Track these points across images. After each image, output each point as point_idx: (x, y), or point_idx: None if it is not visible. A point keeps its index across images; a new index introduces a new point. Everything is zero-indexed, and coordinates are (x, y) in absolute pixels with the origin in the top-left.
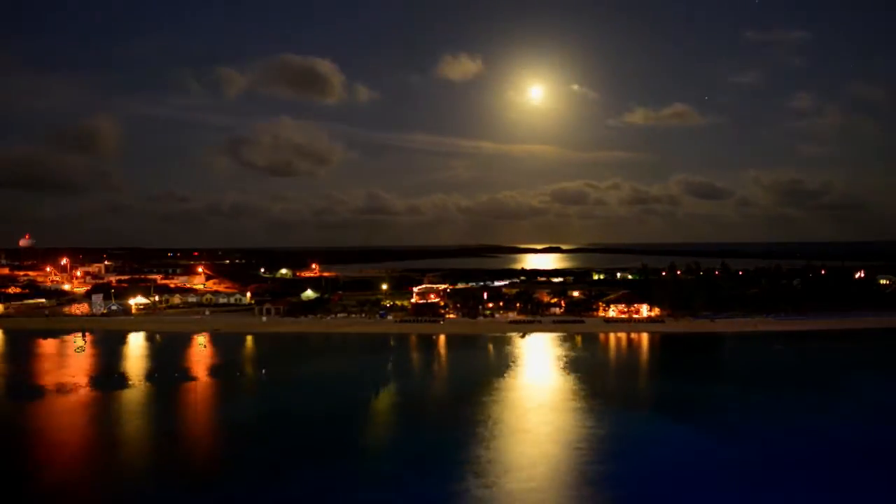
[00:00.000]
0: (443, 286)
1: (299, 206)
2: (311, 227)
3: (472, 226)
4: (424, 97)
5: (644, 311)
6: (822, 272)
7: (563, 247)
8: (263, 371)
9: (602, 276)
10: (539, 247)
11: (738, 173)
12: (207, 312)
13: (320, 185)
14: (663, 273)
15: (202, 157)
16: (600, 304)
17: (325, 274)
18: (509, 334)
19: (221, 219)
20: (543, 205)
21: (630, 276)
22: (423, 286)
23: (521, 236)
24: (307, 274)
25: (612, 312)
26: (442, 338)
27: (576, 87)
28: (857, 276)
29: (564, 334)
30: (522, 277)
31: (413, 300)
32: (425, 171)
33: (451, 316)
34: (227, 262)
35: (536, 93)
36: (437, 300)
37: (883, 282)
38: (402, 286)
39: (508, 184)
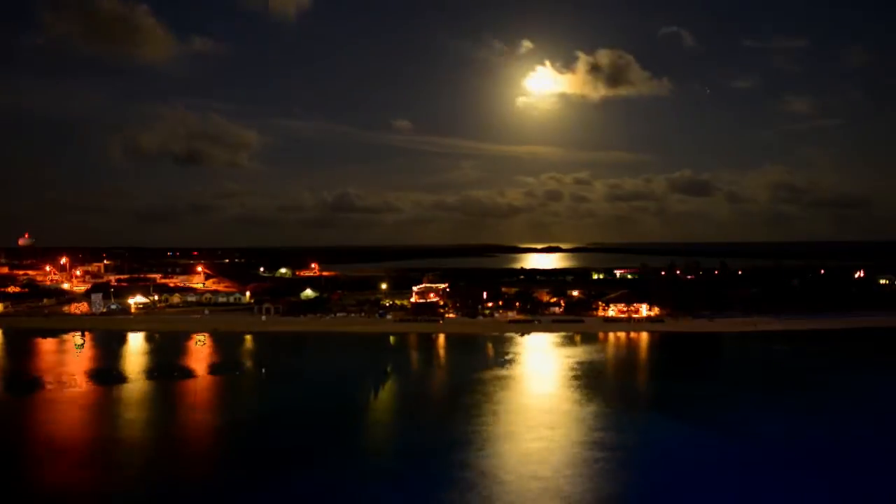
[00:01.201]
0: (442, 285)
1: (254, 202)
2: (275, 225)
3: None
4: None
5: (643, 310)
6: (822, 272)
7: (563, 246)
8: (263, 370)
9: (601, 276)
10: (539, 246)
11: (733, 172)
12: (207, 312)
13: (251, 177)
14: (662, 272)
15: (91, 148)
16: (600, 303)
17: (325, 273)
18: (509, 334)
19: (181, 216)
20: (520, 203)
21: (629, 276)
22: (423, 286)
23: (503, 235)
24: (307, 273)
25: (612, 312)
26: (441, 337)
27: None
28: (856, 275)
29: (564, 334)
30: (521, 277)
31: (412, 299)
32: (364, 164)
33: (451, 315)
34: (227, 261)
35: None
36: (436, 300)
37: (882, 281)
38: (401, 286)
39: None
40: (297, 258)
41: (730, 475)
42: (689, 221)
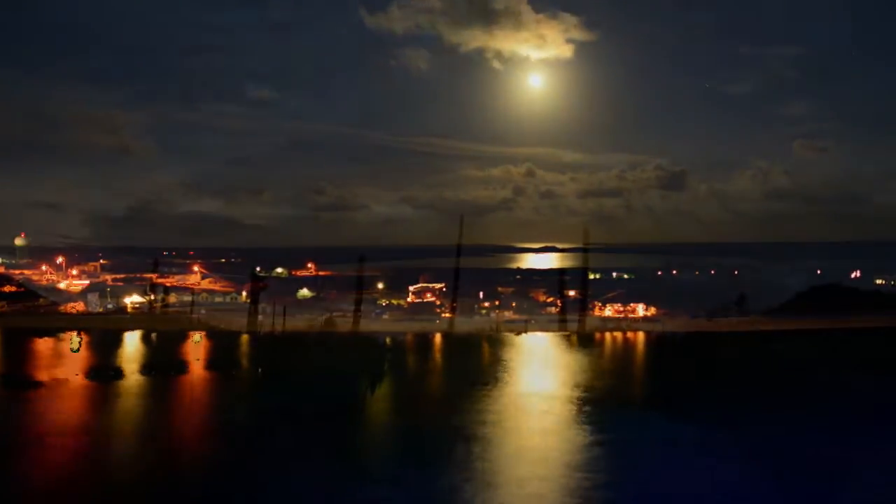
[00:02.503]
0: (439, 285)
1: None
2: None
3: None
4: None
5: (640, 310)
6: (818, 272)
7: (559, 245)
8: (259, 370)
9: (598, 276)
10: (535, 245)
11: (727, 172)
12: (203, 311)
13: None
14: (659, 273)
15: None
16: (596, 302)
17: (322, 273)
18: (505, 333)
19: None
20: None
21: (626, 276)
22: (419, 285)
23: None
24: (303, 273)
25: (609, 312)
26: (438, 336)
27: None
28: (853, 275)
29: (560, 333)
30: (518, 276)
31: (409, 299)
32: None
33: (447, 315)
34: (223, 260)
35: None
36: (433, 299)
37: (879, 281)
38: (398, 285)
39: None
40: (294, 258)
41: (728, 475)
42: (682, 220)
